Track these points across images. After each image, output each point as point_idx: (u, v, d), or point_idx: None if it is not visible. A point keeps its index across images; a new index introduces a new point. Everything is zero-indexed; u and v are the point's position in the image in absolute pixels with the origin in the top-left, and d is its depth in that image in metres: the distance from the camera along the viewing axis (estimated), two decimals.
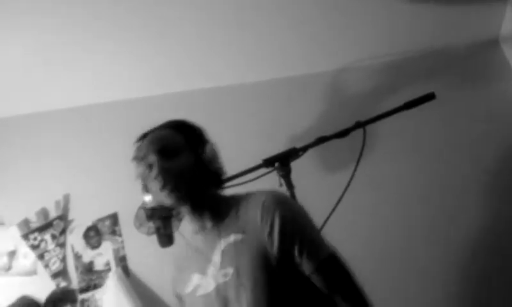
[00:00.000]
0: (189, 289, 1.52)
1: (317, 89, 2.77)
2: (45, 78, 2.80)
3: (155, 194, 1.47)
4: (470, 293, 2.44)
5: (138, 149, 1.51)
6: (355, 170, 1.87)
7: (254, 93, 2.86)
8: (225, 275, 1.38)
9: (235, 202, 1.49)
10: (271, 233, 1.34)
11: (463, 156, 2.62)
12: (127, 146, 2.86)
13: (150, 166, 1.45)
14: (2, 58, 2.61)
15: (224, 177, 1.58)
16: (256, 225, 1.37)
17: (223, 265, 1.40)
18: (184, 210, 1.51)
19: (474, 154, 2.65)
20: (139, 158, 1.49)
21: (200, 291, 1.46)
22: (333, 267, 1.37)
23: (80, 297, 2.79)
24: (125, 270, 2.75)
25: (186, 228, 1.57)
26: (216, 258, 1.43)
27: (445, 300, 2.42)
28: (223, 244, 1.42)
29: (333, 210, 1.85)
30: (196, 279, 1.49)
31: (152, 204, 1.52)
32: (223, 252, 1.41)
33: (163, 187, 1.42)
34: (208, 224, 1.49)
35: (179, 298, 1.60)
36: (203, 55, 2.75)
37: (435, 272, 2.47)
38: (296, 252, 1.34)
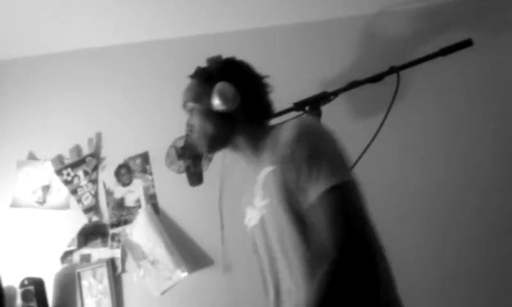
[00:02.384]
0: (245, 221, 1.57)
1: (351, 33, 2.71)
2: (79, 16, 2.80)
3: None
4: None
5: (188, 89, 1.60)
6: (386, 116, 1.86)
7: (286, 36, 2.82)
8: (264, 207, 1.41)
9: (271, 134, 1.48)
10: (293, 163, 1.30)
11: (501, 108, 2.55)
12: (159, 86, 2.90)
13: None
14: None
15: (270, 106, 1.61)
16: (284, 156, 1.34)
17: (263, 197, 1.42)
18: (231, 146, 1.57)
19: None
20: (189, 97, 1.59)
21: (251, 223, 1.51)
22: (330, 200, 1.22)
23: (111, 231, 2.88)
24: (155, 208, 2.82)
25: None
26: (258, 190, 1.45)
27: (475, 261, 2.40)
28: (262, 175, 1.43)
29: (360, 156, 1.85)
30: (249, 211, 1.54)
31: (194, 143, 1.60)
32: (262, 185, 1.43)
33: (194, 141, 1.56)
34: (252, 157, 1.52)
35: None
36: None
37: (463, 233, 2.44)
38: (296, 182, 1.30)
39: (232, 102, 1.50)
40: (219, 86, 1.50)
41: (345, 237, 1.18)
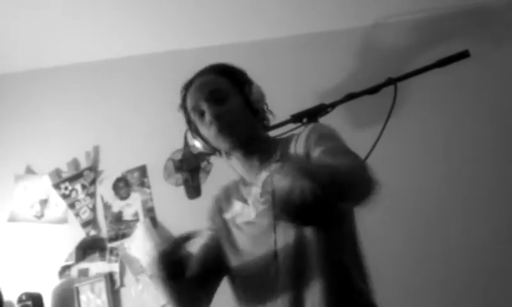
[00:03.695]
0: (229, 215, 1.55)
1: (348, 45, 2.72)
2: (76, 30, 2.82)
3: (211, 140, 1.49)
4: None
5: (186, 97, 1.53)
6: (384, 127, 1.84)
7: (283, 48, 2.83)
8: (264, 202, 1.41)
9: (280, 142, 1.50)
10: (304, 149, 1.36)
11: (497, 118, 2.56)
12: (156, 99, 2.91)
13: (202, 113, 1.47)
14: (36, 12, 2.63)
15: (271, 118, 1.60)
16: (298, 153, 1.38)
17: (263, 194, 1.42)
18: (236, 153, 1.52)
19: (510, 115, 2.58)
20: (190, 106, 1.51)
21: (241, 219, 1.50)
22: (337, 145, 1.34)
23: (109, 245, 2.88)
24: (153, 221, 2.81)
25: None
26: (257, 188, 1.46)
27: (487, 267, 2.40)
28: (264, 174, 1.44)
29: None
30: (238, 206, 1.53)
31: (204, 150, 1.56)
32: (264, 182, 1.43)
33: (219, 132, 1.44)
34: (256, 163, 1.51)
35: (213, 219, 1.60)
36: (231, 10, 2.72)
37: (462, 241, 2.44)
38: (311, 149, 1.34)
39: (263, 103, 1.53)
40: (257, 86, 1.53)
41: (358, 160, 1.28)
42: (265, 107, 1.55)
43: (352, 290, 1.34)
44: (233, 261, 1.50)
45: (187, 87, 1.54)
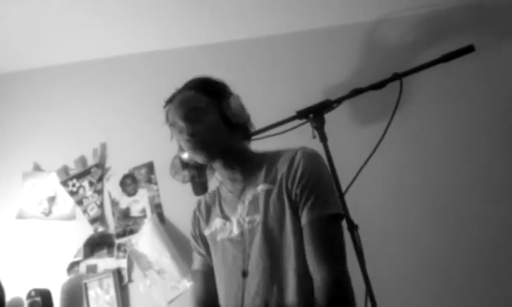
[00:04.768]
0: (209, 231, 1.61)
1: (353, 40, 2.72)
2: (83, 28, 2.83)
3: (189, 154, 1.57)
4: None
5: (168, 113, 1.59)
6: (389, 123, 1.85)
7: (289, 44, 2.82)
8: (251, 221, 1.47)
9: (266, 158, 1.56)
10: (293, 182, 1.44)
11: (503, 112, 2.54)
12: (163, 96, 2.91)
13: (182, 130, 1.52)
14: (44, 10, 2.64)
15: (252, 128, 1.65)
16: (284, 176, 1.46)
17: (249, 213, 1.49)
18: (216, 165, 1.59)
19: None
20: (170, 122, 1.57)
21: (222, 235, 1.55)
22: (325, 227, 1.40)
23: (117, 241, 2.90)
24: (160, 217, 2.83)
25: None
26: (242, 206, 1.52)
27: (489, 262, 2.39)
28: (250, 193, 1.51)
29: (365, 163, 1.84)
30: (218, 222, 1.59)
31: (190, 162, 1.63)
32: (250, 202, 1.50)
33: (194, 149, 1.51)
34: (239, 176, 1.57)
35: (196, 237, 1.68)
36: (236, 6, 2.72)
37: (465, 239, 2.43)
38: (302, 200, 1.42)
39: (242, 117, 1.57)
40: (236, 98, 1.56)
41: (333, 264, 1.36)
42: (244, 120, 1.59)
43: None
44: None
45: (168, 102, 1.60)
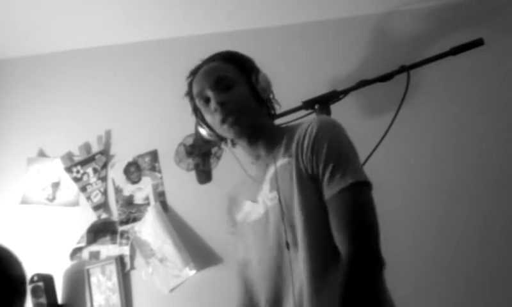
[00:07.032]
0: (240, 216, 1.55)
1: (361, 32, 2.70)
2: (89, 14, 2.82)
3: (216, 127, 1.48)
4: None
5: (192, 84, 1.51)
6: (396, 115, 1.85)
7: (296, 35, 2.81)
8: (272, 198, 1.41)
9: (286, 131, 1.48)
10: (312, 155, 1.34)
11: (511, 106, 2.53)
12: (168, 84, 2.91)
13: (207, 100, 1.45)
14: None
15: (277, 106, 1.59)
16: (302, 148, 1.36)
17: (271, 190, 1.42)
18: (241, 142, 1.51)
19: None
20: (195, 93, 1.49)
21: (251, 218, 1.49)
22: (348, 198, 1.28)
23: (120, 228, 2.90)
24: (164, 205, 2.83)
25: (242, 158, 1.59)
26: (266, 184, 1.45)
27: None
28: (272, 170, 1.43)
29: (370, 154, 1.84)
30: (247, 206, 1.52)
31: (209, 138, 1.55)
32: (271, 178, 1.42)
33: (224, 120, 1.42)
34: (263, 152, 1.49)
35: (233, 226, 1.61)
36: None
37: (476, 231, 2.41)
38: (321, 174, 1.32)
39: (269, 92, 1.52)
40: (265, 74, 1.51)
41: (362, 235, 1.26)
42: (271, 96, 1.54)
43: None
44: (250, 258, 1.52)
45: (193, 73, 1.53)
